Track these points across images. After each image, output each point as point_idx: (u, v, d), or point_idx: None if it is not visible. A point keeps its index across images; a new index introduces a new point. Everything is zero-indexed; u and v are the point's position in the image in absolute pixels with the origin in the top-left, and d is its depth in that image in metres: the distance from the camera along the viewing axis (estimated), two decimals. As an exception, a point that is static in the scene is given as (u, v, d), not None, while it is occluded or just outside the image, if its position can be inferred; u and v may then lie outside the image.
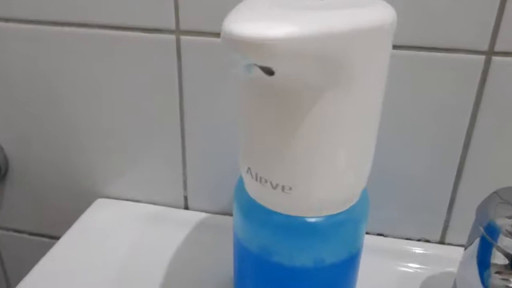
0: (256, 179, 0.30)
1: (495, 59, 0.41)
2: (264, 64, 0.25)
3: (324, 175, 0.29)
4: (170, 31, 0.46)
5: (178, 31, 0.45)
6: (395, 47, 0.40)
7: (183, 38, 0.45)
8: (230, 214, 0.53)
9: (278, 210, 0.31)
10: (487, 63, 0.41)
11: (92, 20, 0.47)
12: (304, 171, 0.29)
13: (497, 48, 0.40)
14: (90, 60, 0.49)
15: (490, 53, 0.40)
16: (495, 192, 0.37)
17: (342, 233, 0.32)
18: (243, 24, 0.24)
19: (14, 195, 0.61)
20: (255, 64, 0.25)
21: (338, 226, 0.32)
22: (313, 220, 0.31)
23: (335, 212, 0.31)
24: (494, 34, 0.40)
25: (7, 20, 0.49)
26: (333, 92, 0.26)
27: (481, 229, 0.34)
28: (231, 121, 0.48)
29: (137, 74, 0.48)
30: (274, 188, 0.30)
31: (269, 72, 0.25)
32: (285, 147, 0.28)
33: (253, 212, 0.32)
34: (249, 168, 0.31)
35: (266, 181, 0.30)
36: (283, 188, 0.29)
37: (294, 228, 0.31)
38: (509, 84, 0.41)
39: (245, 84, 0.29)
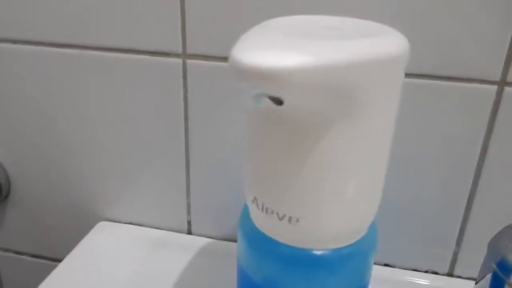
0: (262, 210, 0.30)
1: (508, 89, 0.40)
2: (273, 94, 0.24)
3: (332, 207, 0.28)
4: (176, 55, 0.45)
5: (184, 55, 0.45)
6: (405, 75, 0.40)
7: (189, 62, 0.45)
8: (234, 240, 0.52)
9: (284, 241, 0.30)
10: (499, 93, 0.40)
11: (97, 43, 0.47)
12: (312, 203, 0.28)
13: (510, 78, 0.40)
14: (94, 82, 0.49)
15: (503, 83, 0.40)
16: (508, 226, 0.36)
17: (350, 266, 0.32)
18: (253, 53, 0.23)
19: (16, 216, 0.60)
20: (264, 94, 0.24)
21: (346, 259, 0.31)
22: (320, 252, 0.30)
23: (343, 245, 0.30)
24: (506, 64, 0.39)
25: (6, 41, 0.50)
26: (343, 123, 0.26)
27: (493, 265, 0.34)
28: (236, 146, 0.48)
29: (142, 98, 0.48)
30: (281, 219, 0.29)
31: (278, 102, 0.24)
32: (292, 178, 0.27)
33: (258, 242, 0.32)
34: (255, 198, 0.30)
35: (272, 211, 0.29)
36: (290, 219, 0.29)
37: (300, 260, 0.30)
38: (522, 115, 0.41)
39: (253, 113, 0.28)
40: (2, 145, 0.56)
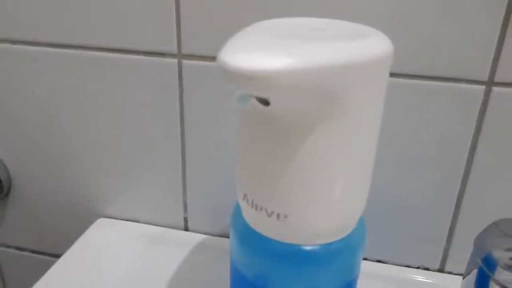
0: (252, 206, 0.31)
1: (495, 89, 0.41)
2: (260, 95, 0.25)
3: (319, 204, 0.29)
4: (172, 55, 0.46)
5: (180, 55, 0.46)
6: (394, 75, 0.41)
7: (185, 62, 0.46)
8: (229, 236, 0.53)
9: (274, 237, 0.31)
10: (487, 93, 0.41)
11: (93, 43, 0.48)
12: (299, 199, 0.29)
13: (497, 78, 0.40)
14: (91, 82, 0.50)
15: (491, 83, 0.41)
16: (494, 223, 0.36)
17: (338, 261, 0.32)
18: (239, 55, 0.24)
19: (17, 213, 0.61)
20: (251, 95, 0.25)
21: (334, 254, 0.32)
22: (308, 248, 0.31)
23: (331, 240, 0.31)
24: (494, 64, 0.40)
25: (6, 41, 0.50)
26: (328, 123, 0.26)
27: (479, 261, 0.34)
28: (231, 144, 0.49)
29: (138, 97, 0.49)
30: (270, 215, 0.30)
31: (265, 102, 0.25)
32: (280, 175, 0.28)
33: (249, 238, 0.32)
34: (245, 195, 0.31)
35: (261, 208, 0.30)
36: (278, 215, 0.29)
37: (289, 255, 0.31)
38: (510, 115, 0.41)
39: (242, 113, 0.29)
40: (4, 143, 0.57)
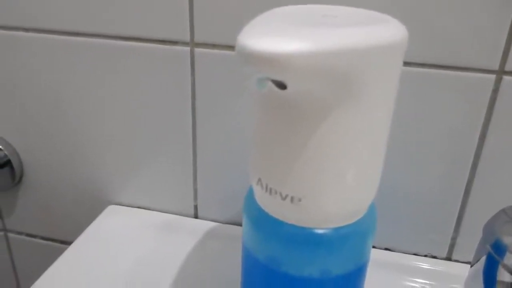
0: (266, 190, 0.31)
1: (506, 78, 0.41)
2: (277, 78, 0.25)
3: (332, 188, 0.30)
4: (184, 43, 0.46)
5: (192, 43, 0.46)
6: (405, 63, 0.41)
7: (197, 50, 0.46)
8: (239, 224, 0.54)
9: (287, 220, 0.31)
10: (498, 82, 0.41)
11: (105, 31, 0.48)
12: (313, 183, 0.29)
13: (508, 67, 0.41)
14: (102, 70, 0.50)
15: (501, 72, 0.41)
16: (502, 210, 0.37)
17: (349, 245, 0.33)
18: (257, 39, 0.24)
19: (28, 201, 0.62)
20: (268, 78, 0.26)
21: (345, 238, 0.32)
22: (321, 231, 0.31)
23: (343, 224, 0.32)
24: (505, 53, 0.40)
25: (17, 29, 0.51)
26: (343, 108, 0.27)
27: (488, 246, 0.35)
28: (242, 132, 0.49)
29: (150, 85, 0.49)
30: (284, 199, 0.30)
31: (282, 86, 0.26)
32: (295, 159, 0.29)
33: (262, 222, 0.33)
34: (259, 179, 0.31)
35: (276, 192, 0.30)
36: (292, 199, 0.30)
37: (302, 239, 0.32)
38: (519, 103, 0.42)
39: (258, 97, 0.29)
40: (16, 131, 0.57)
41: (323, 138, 0.28)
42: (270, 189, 0.31)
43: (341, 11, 0.30)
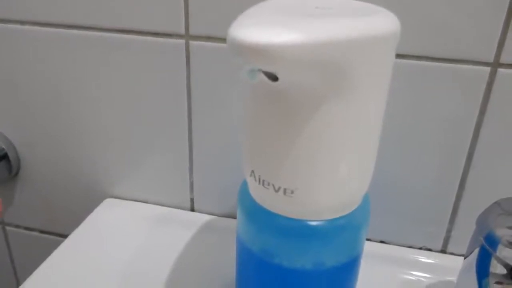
0: (259, 182, 0.31)
1: (501, 71, 0.41)
2: (268, 69, 0.25)
3: (325, 180, 0.30)
4: (179, 36, 0.46)
5: (187, 36, 0.46)
6: (400, 56, 0.41)
7: (192, 43, 0.46)
8: (235, 217, 0.53)
9: (280, 213, 0.32)
10: (493, 74, 0.41)
11: (100, 23, 0.48)
12: (306, 175, 0.29)
13: (503, 59, 0.40)
14: (98, 63, 0.50)
15: (496, 64, 0.41)
16: (496, 202, 0.37)
17: (343, 237, 0.33)
18: (248, 30, 0.24)
19: (26, 193, 0.62)
20: (259, 70, 0.26)
21: (339, 230, 0.32)
22: (314, 223, 0.31)
23: (336, 216, 0.32)
24: (500, 46, 0.40)
25: (15, 22, 0.51)
26: (335, 99, 0.27)
27: (481, 238, 0.35)
28: (238, 125, 0.49)
29: (146, 78, 0.49)
30: (277, 191, 0.30)
31: (273, 77, 0.26)
32: (287, 151, 0.29)
33: (255, 214, 0.33)
34: (252, 171, 0.32)
35: (268, 184, 0.31)
36: (285, 191, 0.30)
37: (295, 231, 0.32)
38: (514, 96, 0.42)
39: (250, 89, 0.29)
40: (13, 124, 0.57)
41: (315, 130, 0.28)
42: (263, 181, 0.31)
43: (334, 2, 0.30)
